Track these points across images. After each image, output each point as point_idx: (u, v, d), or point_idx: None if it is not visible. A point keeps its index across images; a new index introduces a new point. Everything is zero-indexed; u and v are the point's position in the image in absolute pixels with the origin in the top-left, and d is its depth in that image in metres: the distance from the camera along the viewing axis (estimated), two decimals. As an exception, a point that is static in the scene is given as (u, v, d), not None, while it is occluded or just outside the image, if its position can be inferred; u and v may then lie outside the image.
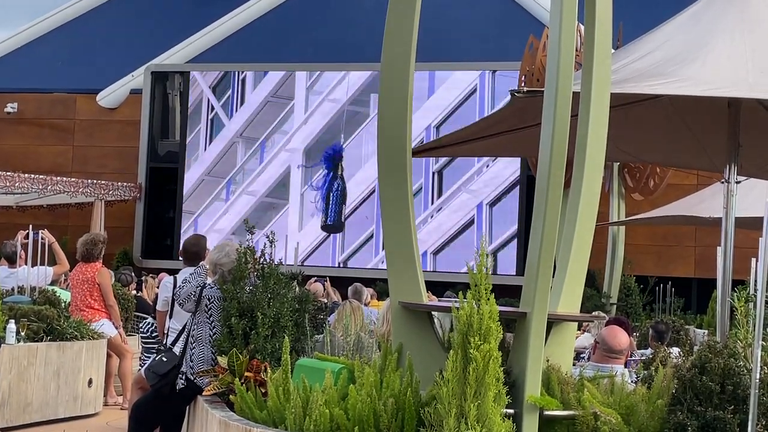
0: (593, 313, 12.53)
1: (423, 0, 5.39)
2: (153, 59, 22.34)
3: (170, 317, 7.59)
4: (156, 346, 8.31)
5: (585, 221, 5.35)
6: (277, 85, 21.29)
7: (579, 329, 10.61)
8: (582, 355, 8.52)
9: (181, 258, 7.99)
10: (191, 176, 21.40)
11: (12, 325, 8.82)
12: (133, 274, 14.05)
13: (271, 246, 6.50)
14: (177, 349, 6.78)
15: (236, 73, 21.54)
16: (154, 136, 21.72)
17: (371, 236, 20.11)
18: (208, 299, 6.51)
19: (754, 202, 9.38)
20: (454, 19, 22.56)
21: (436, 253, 20.00)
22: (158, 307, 8.10)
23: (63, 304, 9.97)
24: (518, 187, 19.41)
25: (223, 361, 6.13)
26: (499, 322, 4.20)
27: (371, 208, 20.01)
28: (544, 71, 5.15)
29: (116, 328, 10.37)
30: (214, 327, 6.47)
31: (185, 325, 6.79)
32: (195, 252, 7.79)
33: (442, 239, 19.97)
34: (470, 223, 19.91)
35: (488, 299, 4.22)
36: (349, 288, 11.64)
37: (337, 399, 4.85)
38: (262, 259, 6.44)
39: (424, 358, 4.98)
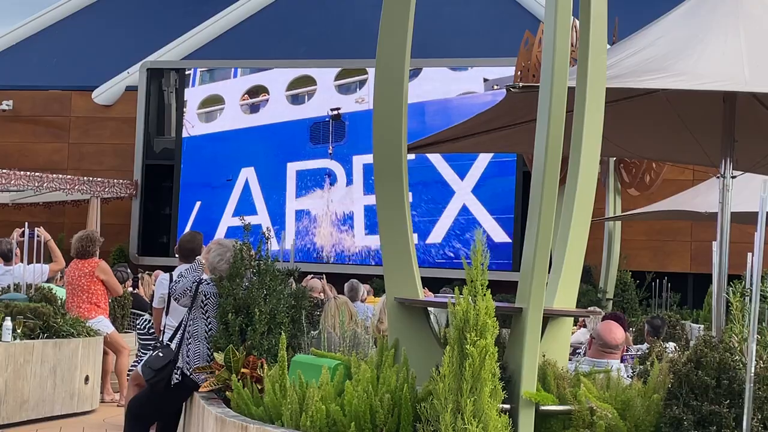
0: (589, 308, 12.55)
1: (418, -4, 5.39)
2: (148, 56, 22.32)
3: (167, 314, 7.59)
4: (153, 342, 8.31)
5: (581, 217, 5.35)
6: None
7: (575, 324, 10.63)
8: (578, 351, 8.54)
9: (176, 255, 7.99)
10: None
11: (8, 323, 8.82)
12: (129, 271, 14.04)
13: (267, 242, 6.50)
14: (173, 346, 6.77)
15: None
16: (150, 133, 21.69)
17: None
18: (204, 295, 6.51)
19: (750, 197, 9.38)
20: (450, 15, 22.57)
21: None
22: (154, 304, 8.09)
23: (59, 302, 9.96)
24: (514, 182, 19.44)
25: (219, 357, 6.13)
26: (495, 318, 4.20)
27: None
28: (540, 67, 5.15)
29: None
30: (209, 323, 6.47)
31: (181, 322, 6.79)
32: (190, 249, 7.78)
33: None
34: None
35: (484, 295, 4.22)
36: (345, 284, 11.64)
37: (334, 395, 4.85)
38: (258, 255, 6.44)
39: (420, 354, 4.98)
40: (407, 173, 5.36)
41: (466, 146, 9.31)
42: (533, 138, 4.96)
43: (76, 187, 19.36)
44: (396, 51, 5.31)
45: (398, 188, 5.30)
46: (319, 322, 6.83)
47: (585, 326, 10.53)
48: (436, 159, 19.71)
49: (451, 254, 19.76)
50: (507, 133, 8.23)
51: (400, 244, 5.28)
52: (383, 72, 5.34)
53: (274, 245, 6.66)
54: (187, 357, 6.46)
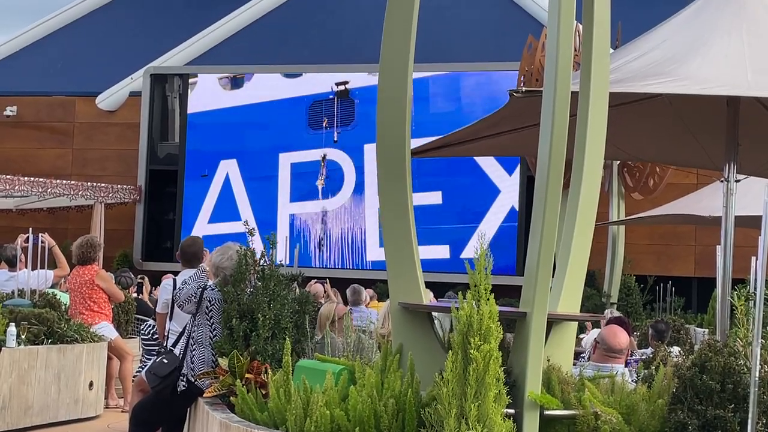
0: (605, 311, 12.53)
1: (421, 1, 5.40)
2: (152, 61, 22.35)
3: (170, 319, 7.60)
4: (157, 348, 8.32)
5: (584, 221, 5.35)
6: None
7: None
8: (582, 355, 8.52)
9: (178, 260, 7.99)
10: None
11: (12, 329, 8.82)
12: (132, 276, 14.06)
13: (272, 248, 6.50)
14: (177, 351, 6.77)
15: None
16: (154, 139, 21.71)
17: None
18: (209, 301, 6.51)
19: (754, 201, 9.38)
20: (453, 20, 22.58)
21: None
22: (158, 309, 8.11)
23: (63, 307, 9.97)
24: (518, 186, 19.27)
25: (223, 362, 6.13)
26: (499, 323, 4.20)
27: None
28: (543, 71, 5.16)
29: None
30: (214, 329, 6.47)
31: (185, 327, 6.79)
32: (193, 252, 7.80)
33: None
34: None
35: (488, 299, 4.22)
36: (348, 289, 11.65)
37: (338, 400, 4.85)
38: (262, 261, 6.44)
39: (424, 359, 4.98)
40: (411, 176, 5.37)
41: (470, 150, 9.32)
42: (537, 142, 4.97)
43: (80, 192, 19.38)
44: (399, 55, 5.31)
45: (402, 192, 5.31)
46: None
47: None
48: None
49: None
50: (511, 137, 8.23)
51: (404, 249, 5.28)
52: (387, 76, 5.35)
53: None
54: (192, 363, 6.46)
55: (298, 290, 6.80)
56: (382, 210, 5.36)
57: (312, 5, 24.36)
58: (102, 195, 19.93)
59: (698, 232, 19.01)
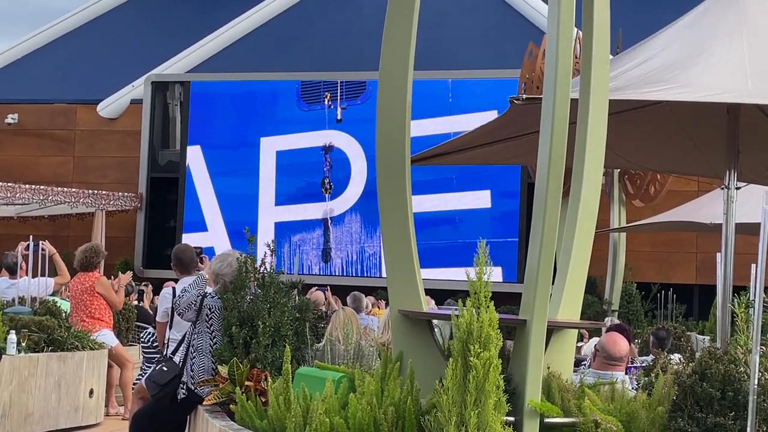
0: (606, 319, 12.51)
1: (422, 7, 5.41)
2: (153, 69, 22.38)
3: (170, 328, 7.59)
4: (157, 356, 8.31)
5: (584, 228, 5.34)
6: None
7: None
8: (583, 363, 8.51)
9: (173, 268, 7.98)
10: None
11: (13, 336, 8.82)
12: (133, 284, 14.05)
13: (271, 255, 6.49)
14: (177, 359, 6.77)
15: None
16: (155, 146, 21.72)
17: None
18: (209, 309, 6.51)
19: (755, 208, 9.36)
20: (454, 27, 22.60)
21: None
22: (158, 318, 8.10)
23: (63, 315, 9.96)
24: (519, 194, 19.31)
25: (223, 370, 6.12)
26: (499, 330, 4.20)
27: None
28: (544, 78, 5.16)
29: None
30: (214, 336, 6.47)
31: (185, 335, 6.78)
32: (190, 258, 7.81)
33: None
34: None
35: (488, 307, 4.21)
36: (348, 296, 11.65)
37: (338, 408, 4.84)
38: (262, 268, 6.43)
39: (424, 366, 4.97)
40: (411, 185, 5.36)
41: (470, 158, 9.31)
42: (537, 149, 4.96)
43: (81, 200, 19.40)
44: (399, 62, 5.31)
45: (402, 197, 5.30)
46: (323, 334, 6.82)
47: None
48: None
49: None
50: (511, 145, 8.23)
51: (404, 257, 5.28)
52: (386, 83, 5.35)
53: None
54: (192, 371, 6.46)
55: (297, 298, 6.79)
56: (381, 217, 5.36)
57: (313, 13, 24.39)
58: (103, 202, 19.95)
59: (699, 240, 19.01)
